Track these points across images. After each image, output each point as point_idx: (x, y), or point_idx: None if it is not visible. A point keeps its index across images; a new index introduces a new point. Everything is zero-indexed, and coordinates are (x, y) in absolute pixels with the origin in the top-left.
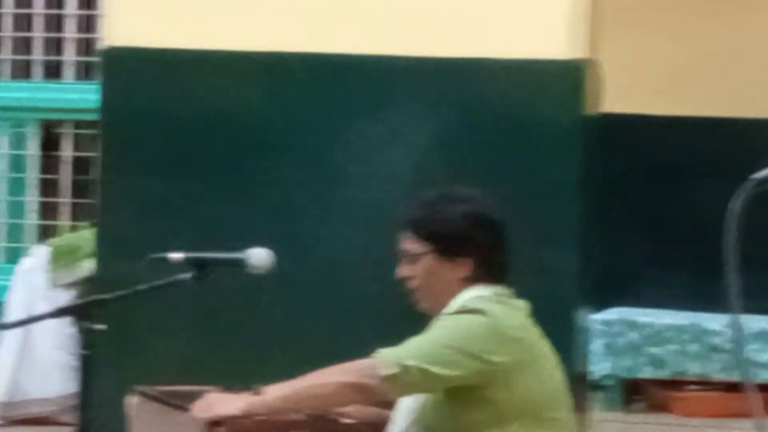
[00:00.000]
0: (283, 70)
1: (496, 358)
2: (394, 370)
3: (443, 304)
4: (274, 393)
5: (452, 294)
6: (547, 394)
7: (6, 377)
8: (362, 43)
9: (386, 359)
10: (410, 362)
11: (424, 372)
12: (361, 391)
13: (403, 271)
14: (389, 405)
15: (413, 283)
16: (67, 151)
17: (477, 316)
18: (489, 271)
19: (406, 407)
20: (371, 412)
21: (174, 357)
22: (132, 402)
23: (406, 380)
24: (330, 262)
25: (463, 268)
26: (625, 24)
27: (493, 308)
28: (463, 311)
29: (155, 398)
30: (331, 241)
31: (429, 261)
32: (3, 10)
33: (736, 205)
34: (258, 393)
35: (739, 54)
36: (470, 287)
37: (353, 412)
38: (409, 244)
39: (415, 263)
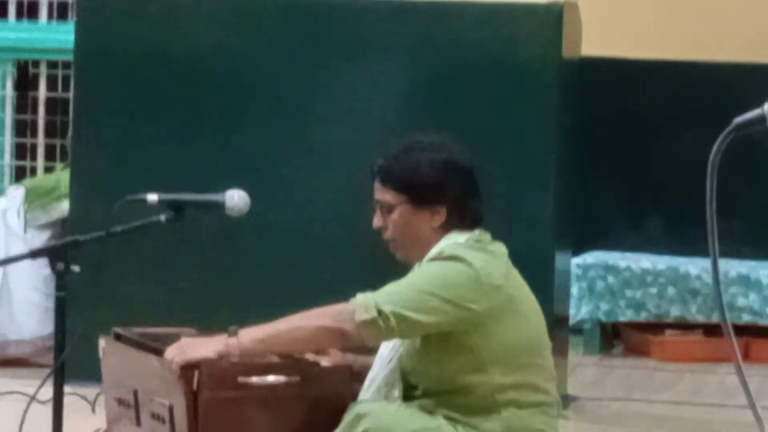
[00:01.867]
0: (261, 12)
1: (474, 306)
2: (371, 315)
3: (421, 253)
4: (250, 335)
5: (429, 243)
6: (527, 339)
7: None
8: None
9: (364, 304)
10: (387, 307)
11: (401, 317)
12: (337, 336)
13: (378, 221)
14: (367, 351)
15: (389, 234)
16: (41, 92)
17: (456, 263)
18: (463, 218)
19: (383, 354)
20: (350, 357)
21: (149, 299)
22: (101, 344)
23: (382, 326)
24: (307, 205)
25: (438, 216)
26: None
27: (472, 255)
28: (442, 258)
29: (129, 339)
30: (308, 183)
31: (403, 211)
32: None
33: (718, 150)
34: (233, 335)
35: None
36: (447, 234)
37: (329, 357)
38: (382, 194)
39: (390, 213)
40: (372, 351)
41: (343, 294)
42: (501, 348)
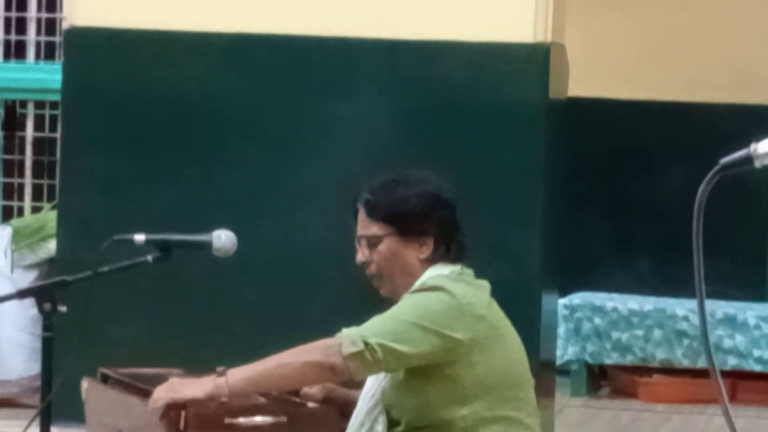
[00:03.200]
0: (246, 51)
1: (458, 335)
2: (358, 347)
3: (406, 287)
4: (238, 375)
5: (414, 276)
6: (509, 373)
7: None
8: (327, 24)
9: (349, 337)
10: (373, 340)
11: (387, 349)
12: (324, 370)
13: (362, 256)
14: (356, 386)
15: (374, 269)
16: (29, 132)
17: (438, 293)
18: (448, 251)
19: (367, 389)
20: (338, 393)
21: (137, 339)
22: (84, 386)
23: (369, 358)
24: (293, 243)
25: (425, 248)
26: (589, 8)
27: (455, 286)
28: (424, 289)
29: (117, 380)
30: (295, 221)
31: (390, 243)
32: None
33: (705, 190)
34: (221, 375)
35: (702, 38)
36: (432, 266)
37: (319, 394)
38: (368, 227)
39: (376, 246)
40: (360, 386)
41: (331, 331)
42: (484, 380)
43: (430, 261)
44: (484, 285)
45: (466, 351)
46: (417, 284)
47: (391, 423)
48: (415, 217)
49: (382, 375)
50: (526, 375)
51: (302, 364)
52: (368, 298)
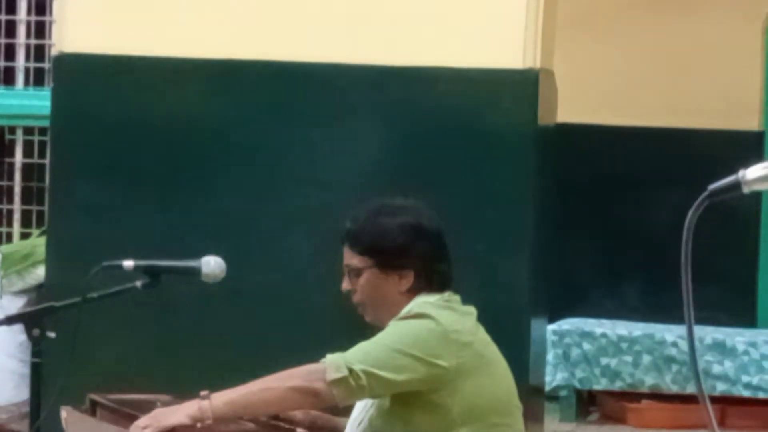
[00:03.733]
0: (235, 77)
1: (443, 362)
2: (342, 374)
3: (389, 316)
4: (221, 398)
5: (397, 306)
6: (496, 399)
7: None
8: (315, 50)
9: (334, 363)
10: (358, 366)
11: (371, 376)
12: (308, 396)
13: (347, 285)
14: (341, 412)
15: (357, 297)
16: (18, 158)
17: (424, 321)
18: (431, 281)
19: (354, 416)
20: (324, 420)
21: (125, 365)
22: (63, 415)
23: (353, 384)
24: (282, 270)
25: (405, 280)
26: (578, 35)
27: (440, 313)
28: (410, 316)
29: (106, 406)
30: (283, 248)
31: (371, 275)
32: None
33: (693, 216)
34: (205, 398)
35: (690, 64)
36: (415, 297)
37: (301, 419)
38: (350, 258)
39: (358, 277)
40: (344, 412)
41: (318, 355)
42: (471, 407)
43: (412, 292)
44: (471, 311)
45: (452, 378)
46: (403, 311)
47: None
48: (395, 250)
49: (369, 402)
50: (514, 401)
51: (286, 389)
52: (355, 324)
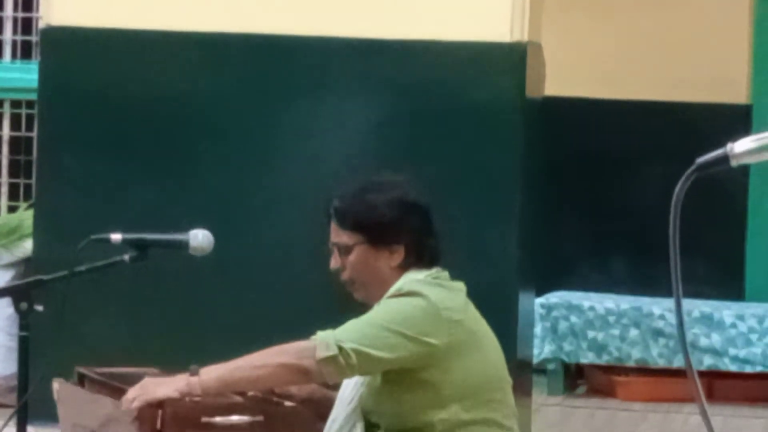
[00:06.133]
0: (223, 50)
1: (434, 340)
2: (332, 352)
3: (379, 293)
4: (211, 374)
5: (387, 282)
6: (487, 375)
7: None
8: (303, 24)
9: (324, 341)
10: (348, 344)
11: (361, 354)
12: (298, 373)
13: (335, 263)
14: (335, 387)
15: (347, 275)
16: (5, 131)
17: (415, 298)
18: (421, 256)
19: (344, 393)
20: (318, 393)
21: (113, 338)
22: (54, 387)
23: (343, 363)
24: (269, 244)
25: (396, 255)
26: (566, 8)
27: (431, 290)
28: (401, 294)
29: (93, 379)
30: (271, 222)
31: (361, 251)
32: None
33: (681, 190)
34: (195, 373)
35: (679, 37)
36: (405, 273)
37: (296, 393)
38: (339, 236)
39: (347, 255)
40: (336, 387)
41: (307, 332)
42: (462, 384)
43: (403, 268)
44: (461, 287)
45: (443, 356)
46: (393, 289)
47: (370, 426)
48: (385, 226)
49: (359, 380)
50: (504, 376)
51: (275, 366)
52: (344, 300)
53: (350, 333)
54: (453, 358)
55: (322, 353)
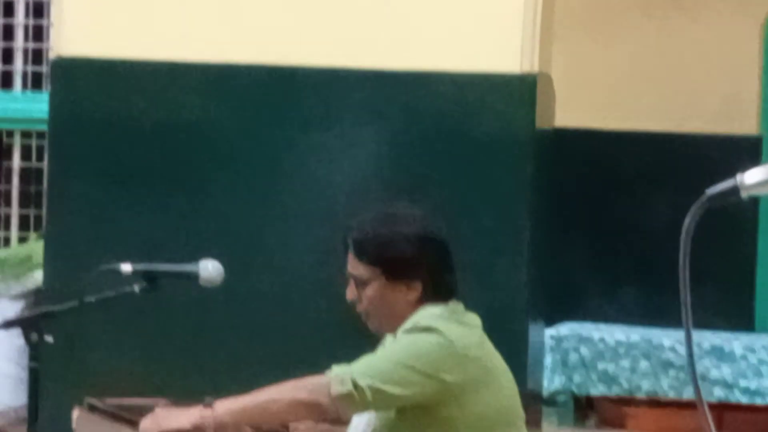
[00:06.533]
0: (232, 81)
1: (449, 377)
2: (347, 388)
3: (395, 326)
4: (225, 407)
5: (403, 316)
6: (501, 410)
7: None
8: (313, 55)
9: (339, 377)
10: (363, 381)
11: (377, 391)
12: (313, 409)
13: (352, 294)
14: (341, 423)
15: (362, 307)
16: (16, 162)
17: (431, 335)
18: (438, 290)
19: (357, 429)
20: (322, 429)
21: (123, 369)
22: (75, 415)
23: (358, 399)
24: (280, 275)
25: (413, 290)
26: (575, 38)
27: (447, 326)
28: (417, 329)
29: (104, 411)
30: (282, 253)
31: (378, 285)
32: None
33: (691, 221)
34: (209, 406)
35: (688, 68)
36: (421, 307)
37: (305, 429)
38: (356, 268)
39: (364, 287)
40: (346, 422)
41: (319, 364)
42: (477, 420)
43: (419, 302)
44: (476, 323)
45: (458, 392)
46: (410, 323)
47: None
48: (403, 261)
49: (373, 415)
50: (518, 412)
51: (290, 401)
52: (356, 330)
53: (365, 369)
54: (468, 395)
55: (337, 389)
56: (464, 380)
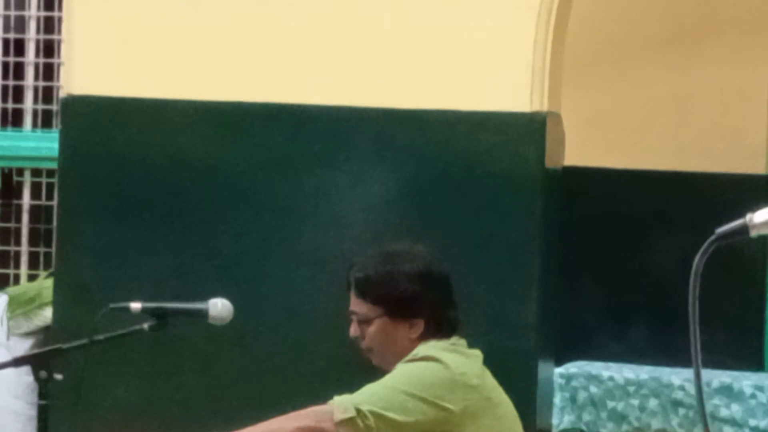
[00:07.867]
0: (241, 119)
1: (450, 405)
2: (350, 414)
3: (397, 361)
4: None
5: (404, 353)
6: None
7: None
8: (322, 93)
9: (341, 404)
10: (365, 407)
11: (379, 417)
12: None
13: (355, 331)
14: None
15: (365, 344)
16: (26, 199)
17: (431, 363)
18: (440, 328)
19: None
20: None
21: (132, 406)
22: None
23: (361, 425)
24: (289, 313)
25: (416, 327)
26: (584, 78)
27: (448, 356)
28: (417, 359)
29: None
30: (291, 291)
31: (381, 324)
32: None
33: (700, 260)
34: None
35: (697, 107)
36: (422, 344)
37: None
38: (359, 306)
39: (367, 325)
40: None
41: (327, 399)
42: None
43: (421, 338)
44: (477, 354)
45: (458, 421)
46: (410, 356)
47: None
48: (406, 300)
49: None
50: None
51: (293, 430)
52: (362, 366)
53: (367, 396)
54: (469, 423)
55: (339, 415)
56: (464, 408)
